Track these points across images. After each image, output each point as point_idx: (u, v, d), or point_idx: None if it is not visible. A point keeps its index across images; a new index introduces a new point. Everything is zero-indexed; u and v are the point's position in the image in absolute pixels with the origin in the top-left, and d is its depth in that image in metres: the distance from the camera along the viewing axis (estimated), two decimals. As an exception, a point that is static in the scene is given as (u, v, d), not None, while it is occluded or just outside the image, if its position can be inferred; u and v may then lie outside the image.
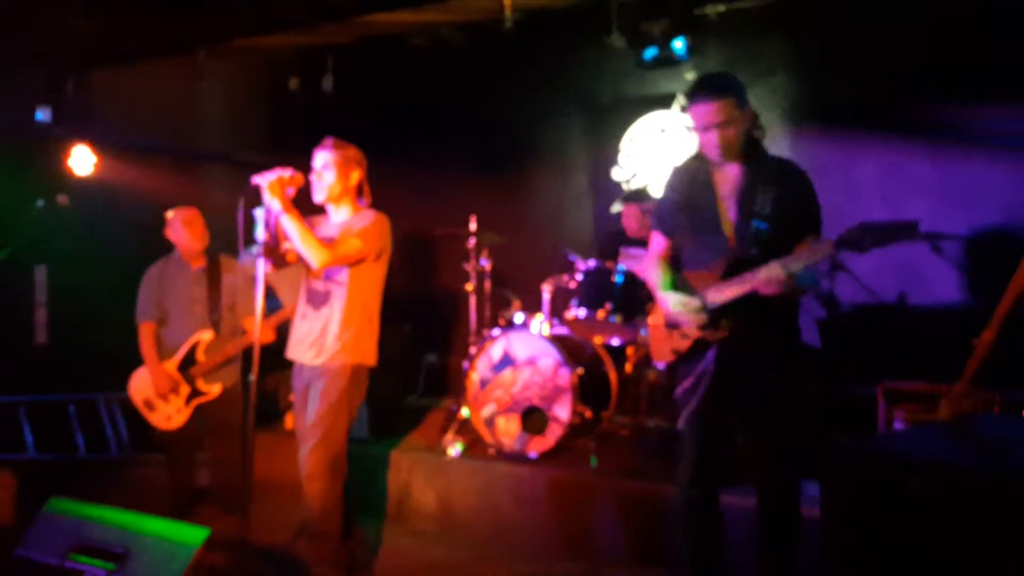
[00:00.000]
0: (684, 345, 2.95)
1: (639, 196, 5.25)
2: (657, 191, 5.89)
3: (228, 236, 4.40)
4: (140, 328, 4.40)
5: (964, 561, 1.72)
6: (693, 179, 3.00)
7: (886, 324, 4.92)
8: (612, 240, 5.28)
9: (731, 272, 2.84)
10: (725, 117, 2.80)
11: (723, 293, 2.83)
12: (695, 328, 2.90)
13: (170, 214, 4.44)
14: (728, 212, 2.91)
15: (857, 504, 1.91)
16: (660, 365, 3.09)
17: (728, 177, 2.92)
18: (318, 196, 3.49)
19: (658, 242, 3.13)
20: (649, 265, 3.13)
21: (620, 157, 6.10)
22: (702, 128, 2.85)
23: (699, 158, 3.00)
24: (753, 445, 3.01)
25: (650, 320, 3.16)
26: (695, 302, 2.88)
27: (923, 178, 4.90)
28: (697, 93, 2.86)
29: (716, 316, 2.86)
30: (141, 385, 4.39)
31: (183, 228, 4.39)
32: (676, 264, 3.10)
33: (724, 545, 3.04)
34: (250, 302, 4.24)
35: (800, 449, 2.94)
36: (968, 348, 3.37)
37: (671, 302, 2.93)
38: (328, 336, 3.40)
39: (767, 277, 2.70)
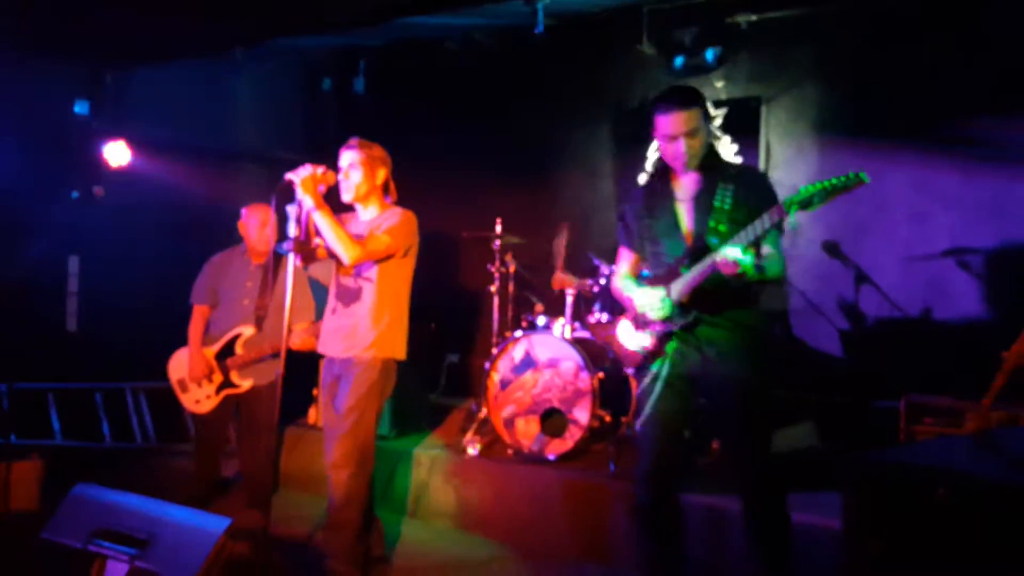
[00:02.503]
0: (651, 344, 2.98)
1: None
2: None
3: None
4: (193, 309, 4.50)
5: (987, 573, 1.72)
6: (652, 190, 3.10)
7: (910, 338, 4.88)
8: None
9: (684, 271, 2.89)
10: (693, 126, 2.88)
11: (685, 284, 2.87)
12: (659, 319, 2.93)
13: (244, 209, 4.53)
14: (686, 215, 2.98)
15: (880, 514, 1.91)
16: (630, 370, 3.11)
17: (687, 184, 3.01)
18: (346, 195, 3.54)
19: (624, 257, 3.22)
20: (616, 280, 3.21)
21: (647, 164, 6.11)
22: (669, 137, 2.91)
23: (657, 170, 3.09)
24: (722, 448, 3.03)
25: (620, 326, 3.15)
26: (658, 292, 2.93)
27: (951, 191, 4.86)
28: (665, 103, 2.92)
29: (680, 308, 2.91)
30: (179, 365, 4.49)
31: (253, 227, 4.47)
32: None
33: (683, 545, 3.07)
34: (302, 304, 4.32)
35: (765, 451, 2.94)
36: (995, 362, 3.35)
37: (636, 298, 3.00)
38: (359, 331, 3.46)
39: (723, 253, 2.71)
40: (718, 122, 5.78)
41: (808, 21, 5.22)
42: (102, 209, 6.00)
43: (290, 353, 3.35)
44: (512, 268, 5.16)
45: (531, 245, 5.26)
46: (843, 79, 5.23)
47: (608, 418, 4.47)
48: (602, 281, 4.74)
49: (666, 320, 2.92)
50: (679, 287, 2.89)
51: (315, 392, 5.16)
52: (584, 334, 4.75)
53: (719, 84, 5.60)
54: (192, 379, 4.43)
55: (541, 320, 4.93)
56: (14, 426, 5.16)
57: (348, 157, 3.52)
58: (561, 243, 5.05)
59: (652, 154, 6.06)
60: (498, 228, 5.09)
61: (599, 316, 4.69)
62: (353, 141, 3.55)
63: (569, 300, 4.82)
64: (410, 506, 4.65)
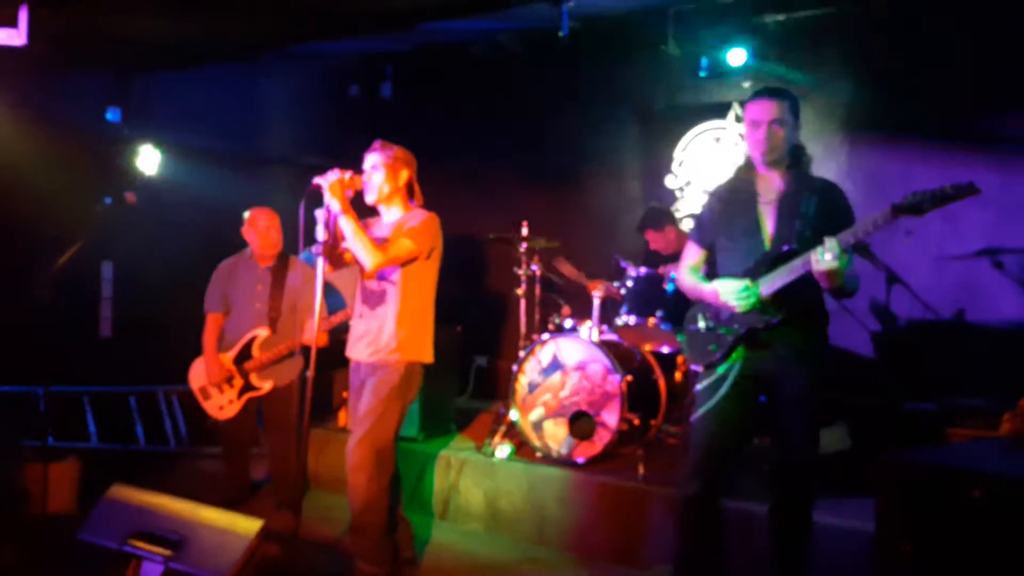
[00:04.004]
0: (724, 343, 2.98)
1: (650, 220, 5.22)
2: (695, 201, 5.87)
3: (290, 236, 4.53)
4: (207, 318, 4.56)
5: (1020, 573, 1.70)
6: (736, 187, 3.10)
7: (944, 339, 4.82)
8: (657, 256, 5.27)
9: (768, 271, 2.87)
10: (778, 116, 2.90)
11: (774, 282, 2.85)
12: (744, 311, 2.88)
13: (247, 214, 4.57)
14: (768, 217, 2.96)
15: (914, 516, 1.89)
16: (697, 367, 3.09)
17: (771, 185, 3.00)
18: (369, 197, 3.56)
19: (692, 252, 3.20)
20: (682, 273, 3.19)
21: (673, 165, 6.09)
22: (754, 123, 2.94)
23: (744, 168, 3.09)
24: (771, 449, 3.01)
25: (689, 323, 3.15)
26: (745, 281, 2.89)
27: (986, 190, 4.75)
28: (758, 93, 3.00)
29: (765, 304, 2.88)
30: (199, 373, 4.55)
31: (258, 231, 4.51)
32: (710, 275, 3.14)
33: (721, 546, 3.06)
34: (311, 303, 4.35)
35: (815, 456, 2.95)
36: (1029, 364, 3.30)
37: (720, 288, 2.94)
38: (384, 334, 3.47)
39: (823, 253, 2.66)
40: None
41: (837, 20, 5.17)
42: (134, 215, 6.08)
43: (317, 353, 3.36)
44: (539, 271, 5.16)
45: (558, 248, 5.27)
46: (873, 77, 5.18)
47: (637, 421, 4.45)
48: (629, 283, 4.72)
49: (751, 315, 2.88)
50: (766, 284, 2.87)
51: (345, 395, 5.20)
52: (612, 336, 4.74)
53: (746, 85, 5.57)
54: (212, 384, 4.48)
55: (568, 323, 4.92)
56: (51, 429, 5.25)
57: (371, 159, 3.55)
58: (567, 269, 5.10)
59: (679, 154, 6.05)
60: (524, 231, 5.10)
61: (627, 318, 4.67)
62: (376, 143, 3.58)
63: (596, 302, 4.81)
64: (439, 508, 4.66)
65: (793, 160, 2.97)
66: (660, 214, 5.24)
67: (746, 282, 2.89)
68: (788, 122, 2.92)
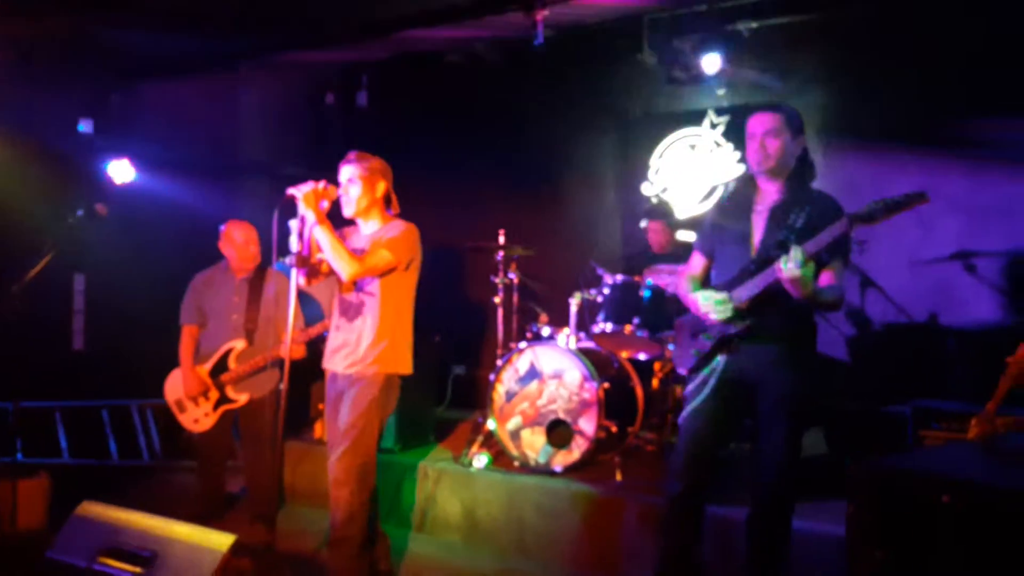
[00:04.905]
0: (704, 348, 3.05)
1: (664, 212, 5.24)
2: (682, 207, 5.90)
3: (263, 247, 4.50)
4: (182, 330, 4.52)
5: (992, 579, 1.70)
6: (735, 195, 3.19)
7: (917, 343, 4.86)
8: (640, 255, 5.28)
9: (749, 279, 2.93)
10: (771, 127, 2.98)
11: (748, 291, 2.92)
12: (720, 320, 2.97)
13: (223, 227, 4.53)
14: (757, 227, 3.02)
15: (885, 521, 1.90)
16: (681, 370, 3.15)
17: (767, 195, 3.06)
18: (347, 210, 3.52)
19: (695, 261, 3.26)
20: (682, 280, 3.25)
21: (650, 173, 6.11)
22: (750, 136, 3.03)
23: (746, 177, 3.16)
24: (752, 451, 3.05)
25: (677, 327, 3.25)
26: (721, 294, 2.98)
27: (958, 195, 4.84)
28: (756, 108, 3.09)
29: (740, 313, 2.95)
30: (175, 386, 4.50)
31: (235, 245, 4.48)
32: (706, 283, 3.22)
33: (700, 548, 3.12)
34: (287, 314, 4.32)
35: (796, 460, 2.98)
36: (1001, 367, 3.32)
37: (700, 299, 3.02)
38: (362, 346, 3.44)
39: (787, 262, 2.70)
40: (721, 130, 5.78)
41: (810, 27, 5.22)
42: (107, 227, 6.02)
43: (292, 365, 3.34)
44: (516, 279, 5.15)
45: (535, 256, 5.26)
46: (846, 84, 5.23)
47: (614, 429, 4.45)
48: (605, 290, 4.73)
49: (726, 323, 2.96)
50: (740, 293, 2.94)
51: (321, 407, 5.15)
52: (589, 344, 4.74)
53: (720, 92, 5.60)
54: (188, 397, 4.44)
55: (546, 331, 4.91)
56: (21, 444, 5.17)
57: (347, 172, 3.50)
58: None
59: (655, 162, 6.07)
60: (501, 239, 5.09)
61: (603, 326, 4.68)
62: (351, 155, 3.53)
63: (573, 310, 4.80)
64: (416, 519, 4.63)
65: (796, 171, 3.03)
66: (669, 211, 5.29)
67: (724, 295, 2.96)
68: (783, 134, 2.97)
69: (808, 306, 2.92)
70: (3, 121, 5.34)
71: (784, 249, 2.81)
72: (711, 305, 2.97)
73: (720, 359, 3.00)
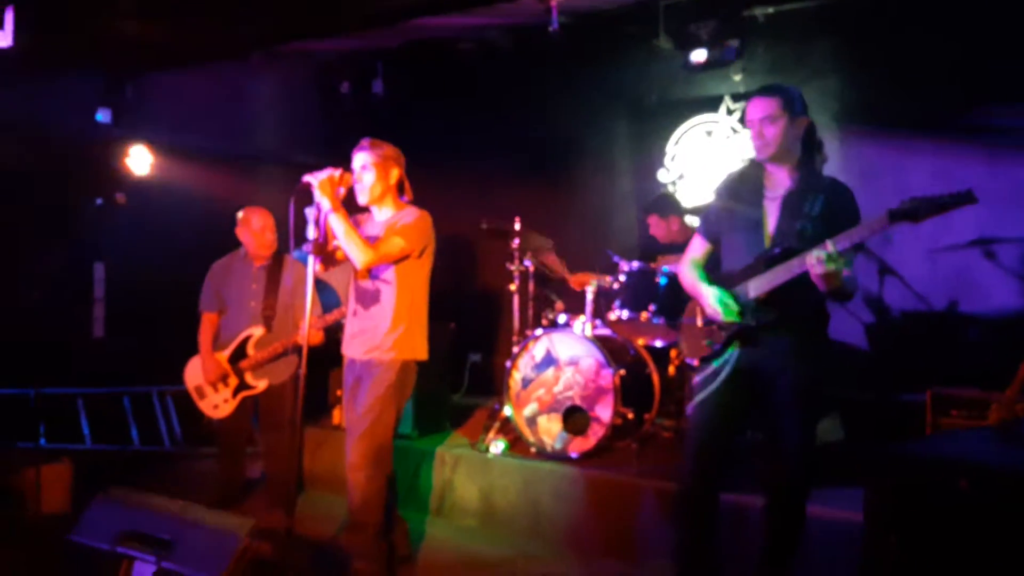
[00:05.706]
0: (719, 339, 2.99)
1: (658, 205, 5.21)
2: (698, 195, 5.87)
3: (280, 234, 4.53)
4: (201, 317, 4.55)
5: (1011, 564, 1.70)
6: (742, 181, 3.09)
7: (936, 330, 4.82)
8: (654, 242, 5.27)
9: (766, 270, 2.87)
10: (767, 113, 2.90)
11: (768, 282, 2.85)
12: (727, 322, 2.93)
13: (240, 214, 4.56)
14: (771, 214, 2.96)
15: (902, 507, 1.89)
16: (692, 361, 3.11)
17: (777, 181, 2.98)
18: (361, 198, 3.54)
19: (697, 245, 3.20)
20: (684, 267, 3.19)
21: (666, 159, 6.09)
22: (749, 122, 2.97)
23: (753, 163, 3.08)
24: (766, 442, 3.03)
25: (686, 317, 3.18)
26: (733, 304, 2.93)
27: (977, 182, 4.73)
28: (753, 93, 3.02)
29: (756, 305, 2.89)
30: (195, 372, 4.54)
31: (252, 232, 4.51)
32: (713, 269, 3.14)
33: (716, 537, 3.08)
34: (305, 301, 4.35)
35: (811, 449, 2.96)
36: (1021, 354, 3.30)
37: (711, 298, 2.97)
38: (379, 332, 3.46)
39: (817, 256, 2.65)
40: (737, 116, 5.75)
41: (826, 12, 5.16)
42: (126, 215, 6.08)
43: (310, 352, 3.37)
44: (532, 267, 5.16)
45: (551, 243, 5.26)
46: (863, 70, 5.17)
47: (631, 415, 4.46)
48: (621, 278, 4.72)
49: (738, 318, 2.91)
50: (759, 283, 2.88)
51: (339, 393, 5.19)
52: (605, 331, 4.74)
53: (737, 78, 5.56)
54: (208, 383, 4.48)
55: (562, 318, 4.92)
56: (44, 430, 5.25)
57: (360, 159, 3.51)
58: (552, 260, 5.12)
59: (671, 148, 6.05)
60: (516, 226, 5.09)
61: (619, 313, 4.68)
62: (364, 142, 3.53)
63: (589, 297, 4.81)
64: (434, 505, 4.67)
65: (805, 156, 2.96)
66: (669, 202, 5.24)
67: (732, 295, 2.93)
68: (781, 119, 2.89)
69: (823, 296, 2.87)
70: (21, 111, 5.39)
71: (804, 238, 2.78)
72: (719, 303, 2.93)
73: (735, 350, 2.96)
